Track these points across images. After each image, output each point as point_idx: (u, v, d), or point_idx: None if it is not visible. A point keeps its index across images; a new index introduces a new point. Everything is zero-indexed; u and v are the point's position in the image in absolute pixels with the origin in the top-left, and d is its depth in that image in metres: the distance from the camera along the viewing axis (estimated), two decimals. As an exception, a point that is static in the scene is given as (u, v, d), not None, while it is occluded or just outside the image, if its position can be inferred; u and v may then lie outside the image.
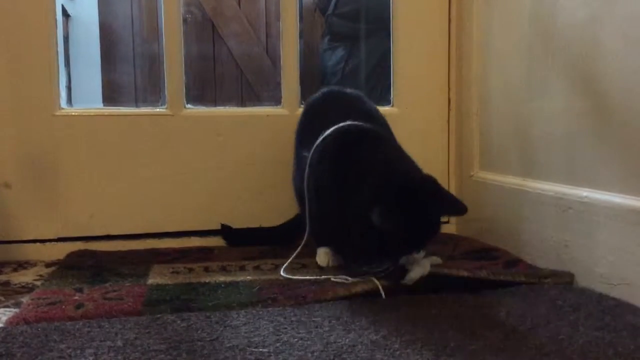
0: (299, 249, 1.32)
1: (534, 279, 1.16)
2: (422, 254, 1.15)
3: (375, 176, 1.13)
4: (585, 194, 1.17)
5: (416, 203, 1.08)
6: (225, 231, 1.57)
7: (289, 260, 1.29)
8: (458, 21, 1.67)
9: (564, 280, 1.17)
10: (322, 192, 1.24)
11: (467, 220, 1.64)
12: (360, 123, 1.26)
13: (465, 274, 1.16)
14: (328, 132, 1.25)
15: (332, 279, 1.16)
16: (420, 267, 1.18)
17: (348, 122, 1.26)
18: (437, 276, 1.15)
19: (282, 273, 1.23)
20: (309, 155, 1.27)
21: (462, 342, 0.87)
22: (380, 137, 1.27)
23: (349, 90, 1.46)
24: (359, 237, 1.13)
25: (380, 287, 1.10)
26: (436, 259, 1.27)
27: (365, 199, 1.10)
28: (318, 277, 1.19)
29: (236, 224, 1.59)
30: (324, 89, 1.47)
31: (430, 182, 1.13)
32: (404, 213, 1.06)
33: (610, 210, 1.10)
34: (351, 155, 1.20)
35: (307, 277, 1.20)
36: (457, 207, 1.13)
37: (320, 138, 1.26)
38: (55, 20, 1.52)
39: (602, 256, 1.11)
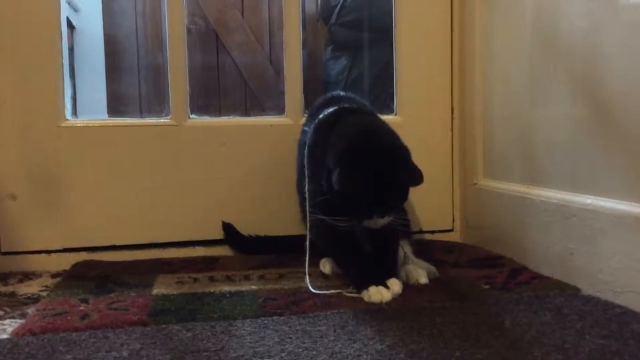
0: (307, 259, 1.28)
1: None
2: (407, 245, 1.22)
3: (341, 143, 1.17)
4: (589, 201, 1.16)
5: (373, 168, 1.11)
6: (230, 235, 1.58)
7: (307, 273, 1.24)
8: (460, 29, 1.68)
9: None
10: (312, 162, 1.28)
11: (472, 228, 1.65)
12: (351, 105, 1.34)
13: None
14: (323, 113, 1.32)
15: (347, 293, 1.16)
16: (423, 269, 1.23)
17: (342, 105, 1.33)
18: None
19: (311, 289, 1.19)
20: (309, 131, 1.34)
21: (468, 351, 0.87)
22: (365, 113, 1.33)
23: (343, 92, 1.50)
24: (329, 201, 1.16)
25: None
26: (433, 270, 1.27)
27: (330, 165, 1.14)
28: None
29: (240, 234, 1.59)
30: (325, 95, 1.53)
31: (392, 149, 1.15)
32: (359, 178, 1.09)
33: (614, 217, 1.10)
34: (334, 128, 1.25)
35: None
36: (414, 176, 1.13)
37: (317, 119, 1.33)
38: (60, 32, 1.53)
39: (607, 263, 1.11)
